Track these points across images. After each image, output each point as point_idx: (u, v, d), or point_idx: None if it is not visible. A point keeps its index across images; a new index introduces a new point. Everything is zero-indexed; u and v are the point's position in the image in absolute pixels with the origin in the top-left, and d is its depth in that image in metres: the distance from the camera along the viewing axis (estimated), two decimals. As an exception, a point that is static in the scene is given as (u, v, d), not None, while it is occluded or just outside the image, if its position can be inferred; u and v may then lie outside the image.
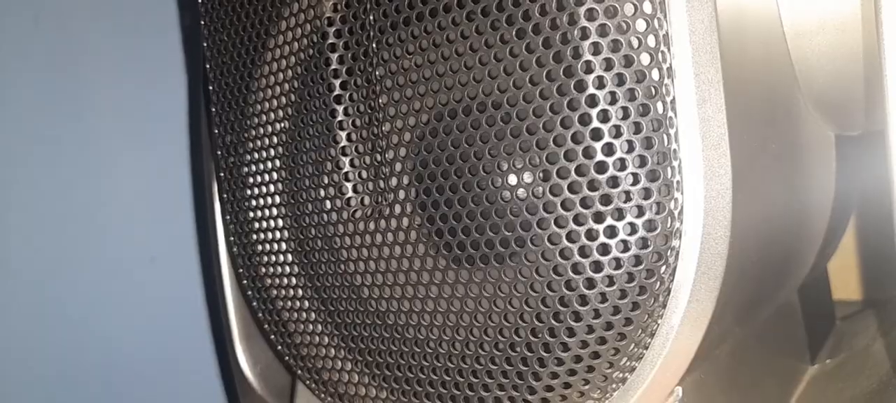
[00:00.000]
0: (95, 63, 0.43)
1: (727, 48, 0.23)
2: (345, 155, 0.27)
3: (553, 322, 0.22)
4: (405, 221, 0.25)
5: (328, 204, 0.27)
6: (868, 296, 0.46)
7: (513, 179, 0.23)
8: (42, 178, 0.41)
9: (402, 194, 0.25)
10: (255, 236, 0.31)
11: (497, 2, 0.22)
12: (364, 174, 0.27)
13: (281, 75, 0.29)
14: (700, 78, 0.21)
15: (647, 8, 0.21)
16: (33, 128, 0.41)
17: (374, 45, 0.26)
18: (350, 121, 0.27)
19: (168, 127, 0.46)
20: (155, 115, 0.46)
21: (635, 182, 0.21)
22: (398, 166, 0.25)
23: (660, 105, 0.21)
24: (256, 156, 0.30)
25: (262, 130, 0.30)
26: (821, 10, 0.28)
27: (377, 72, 0.25)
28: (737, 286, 0.24)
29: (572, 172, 0.21)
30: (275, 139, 0.29)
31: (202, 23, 0.31)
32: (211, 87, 0.31)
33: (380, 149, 0.26)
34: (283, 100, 0.29)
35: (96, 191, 0.43)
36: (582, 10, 0.21)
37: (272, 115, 0.29)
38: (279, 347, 0.31)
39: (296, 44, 0.28)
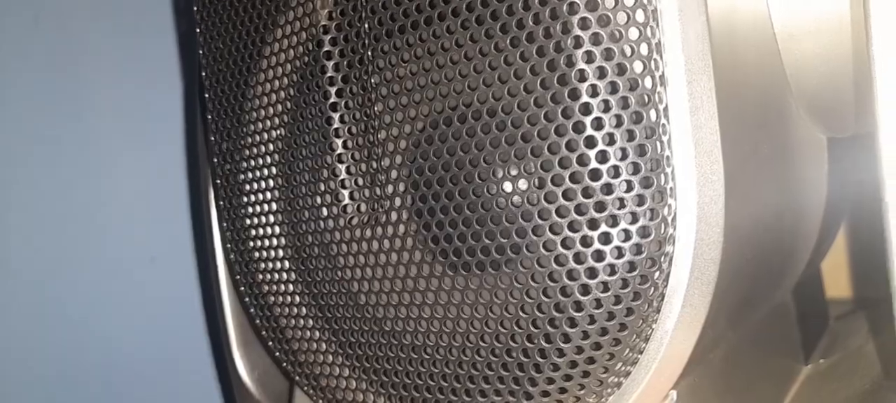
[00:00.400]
0: (95, 63, 0.43)
1: (719, 53, 0.23)
2: (341, 162, 0.27)
3: (549, 328, 0.22)
4: (402, 228, 0.25)
5: (325, 212, 0.28)
6: (860, 294, 0.46)
7: (508, 186, 0.23)
8: (42, 178, 0.41)
9: (398, 201, 0.25)
10: (251, 243, 0.31)
11: (491, 10, 0.22)
12: (360, 181, 0.27)
13: (277, 83, 0.29)
14: (692, 85, 0.22)
15: (640, 17, 0.21)
16: (33, 128, 0.41)
17: (369, 53, 0.26)
18: (346, 129, 0.27)
19: (168, 127, 0.46)
20: (155, 115, 0.46)
21: (629, 189, 0.21)
22: (394, 173, 0.26)
23: (653, 112, 0.21)
24: (253, 163, 0.30)
25: (258, 137, 0.30)
26: (811, 13, 0.28)
27: (372, 80, 0.26)
28: (731, 289, 0.24)
29: (567, 179, 0.21)
30: (271, 146, 0.30)
31: (198, 30, 0.31)
32: (207, 95, 0.32)
33: (376, 157, 0.26)
34: (279, 107, 0.29)
35: (96, 191, 0.43)
36: (575, 19, 0.21)
37: (268, 123, 0.29)
38: (277, 353, 0.31)
39: (291, 51, 0.28)
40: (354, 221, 0.27)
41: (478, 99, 0.23)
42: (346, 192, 0.27)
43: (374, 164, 0.26)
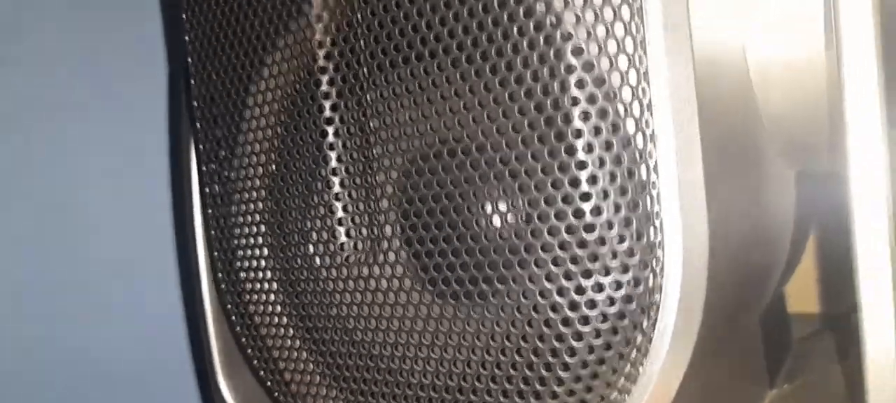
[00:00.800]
0: (82, 69, 0.43)
1: (704, 108, 0.24)
2: (338, 200, 0.28)
3: (543, 372, 0.24)
4: (400, 269, 0.26)
5: (321, 248, 0.28)
6: (824, 309, 0.48)
7: (505, 233, 0.24)
8: (25, 197, 0.41)
9: (397, 243, 0.26)
10: (243, 274, 0.31)
11: (491, 64, 0.23)
12: (357, 220, 0.28)
13: (272, 119, 0.29)
14: (679, 141, 0.23)
15: (632, 78, 0.22)
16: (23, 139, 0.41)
17: (368, 97, 0.26)
18: (343, 169, 0.28)
19: (152, 141, 0.46)
20: (138, 129, 0.45)
21: (621, 241, 0.22)
22: (393, 216, 0.26)
23: (644, 169, 0.22)
24: (245, 196, 0.30)
25: (250, 171, 0.30)
26: (786, 60, 0.30)
27: (372, 124, 0.26)
28: (712, 329, 0.25)
29: (563, 231, 0.22)
30: (262, 181, 0.30)
31: (189, 60, 0.32)
32: (198, 124, 0.32)
33: (374, 198, 0.27)
34: (275, 142, 0.30)
35: (76, 198, 0.43)
36: (572, 78, 0.22)
37: (261, 157, 0.30)
38: (268, 383, 0.32)
39: (287, 89, 0.29)
40: (351, 259, 0.28)
41: (476, 148, 0.24)
42: (342, 230, 0.28)
43: (372, 205, 0.27)
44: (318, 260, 0.28)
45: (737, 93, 0.29)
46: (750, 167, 0.29)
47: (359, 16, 0.26)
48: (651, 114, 0.23)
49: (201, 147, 0.32)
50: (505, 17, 0.23)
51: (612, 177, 0.22)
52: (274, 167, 0.30)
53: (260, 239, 0.30)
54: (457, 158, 0.24)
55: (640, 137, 0.22)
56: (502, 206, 0.24)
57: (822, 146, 0.32)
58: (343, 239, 0.28)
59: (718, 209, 0.24)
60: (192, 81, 0.32)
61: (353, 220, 0.28)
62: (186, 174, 0.37)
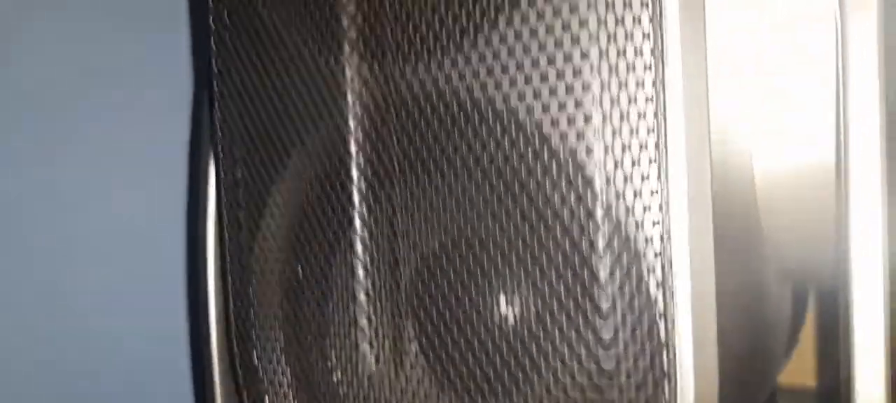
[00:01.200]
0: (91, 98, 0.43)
1: (718, 248, 0.25)
2: (362, 310, 0.29)
3: None
4: (423, 392, 0.28)
5: (343, 361, 0.29)
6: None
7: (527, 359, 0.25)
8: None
9: (421, 359, 0.28)
10: (262, 364, 0.32)
11: (520, 210, 0.24)
12: (379, 333, 0.29)
13: (294, 217, 0.30)
14: (695, 299, 0.24)
15: (657, 242, 0.24)
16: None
17: (398, 221, 0.27)
18: (369, 282, 0.29)
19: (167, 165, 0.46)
20: (155, 156, 0.46)
21: (638, 392, 0.24)
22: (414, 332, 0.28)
23: (663, 327, 0.24)
24: (266, 296, 0.32)
25: (276, 264, 0.31)
26: (794, 193, 0.31)
27: (402, 250, 0.27)
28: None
29: (585, 388, 0.24)
30: (280, 294, 0.31)
31: (220, 146, 0.32)
32: (225, 211, 0.33)
33: (399, 314, 0.28)
34: (296, 239, 0.31)
35: (89, 247, 0.43)
36: (600, 237, 0.23)
37: (285, 253, 0.31)
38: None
39: (301, 195, 0.30)
40: (374, 378, 0.29)
41: (508, 301, 0.25)
42: (365, 344, 0.29)
43: (397, 321, 0.28)
44: (339, 373, 0.29)
45: (745, 214, 0.30)
46: (755, 292, 0.31)
47: (395, 138, 0.27)
48: (672, 273, 0.24)
49: (227, 235, 0.33)
50: (538, 168, 0.24)
51: (633, 333, 0.23)
52: (296, 255, 0.31)
53: (278, 342, 0.32)
54: (489, 307, 0.26)
55: (660, 297, 0.24)
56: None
57: (825, 266, 0.33)
58: (367, 355, 0.29)
59: (728, 347, 0.26)
60: (223, 171, 0.32)
61: (375, 333, 0.29)
62: (202, 230, 0.38)
